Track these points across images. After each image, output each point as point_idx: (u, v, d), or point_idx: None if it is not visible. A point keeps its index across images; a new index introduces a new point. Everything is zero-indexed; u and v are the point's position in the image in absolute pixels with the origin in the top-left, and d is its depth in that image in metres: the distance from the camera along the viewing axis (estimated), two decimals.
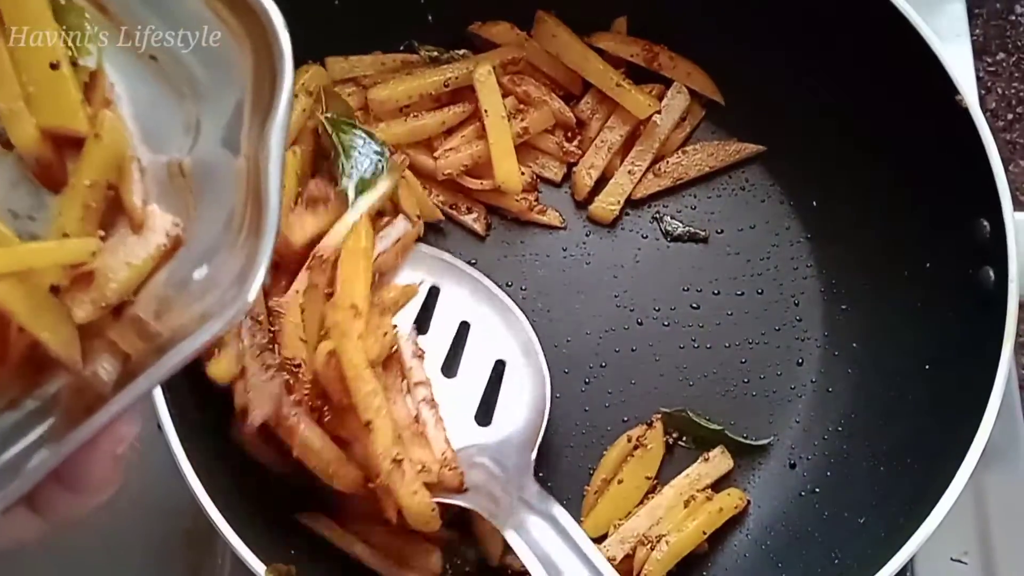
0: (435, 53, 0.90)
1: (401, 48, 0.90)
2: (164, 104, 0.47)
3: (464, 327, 0.82)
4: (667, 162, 0.91)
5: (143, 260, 0.44)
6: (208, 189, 0.45)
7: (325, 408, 0.72)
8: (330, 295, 0.73)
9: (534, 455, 0.78)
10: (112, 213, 0.45)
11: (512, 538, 0.72)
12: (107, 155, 0.44)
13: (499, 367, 0.82)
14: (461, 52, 0.90)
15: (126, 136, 0.45)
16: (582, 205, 0.91)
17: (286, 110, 0.42)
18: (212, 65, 0.46)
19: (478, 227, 0.90)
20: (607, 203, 0.90)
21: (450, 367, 0.81)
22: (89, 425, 0.41)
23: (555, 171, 0.92)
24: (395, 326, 0.76)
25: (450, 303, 0.83)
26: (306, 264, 0.75)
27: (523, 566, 0.72)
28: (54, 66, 0.43)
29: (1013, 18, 1.59)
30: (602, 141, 0.91)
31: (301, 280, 0.75)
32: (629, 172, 0.91)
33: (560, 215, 0.91)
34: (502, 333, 0.83)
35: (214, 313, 0.41)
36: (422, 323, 0.82)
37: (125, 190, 0.45)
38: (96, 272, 0.43)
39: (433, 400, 0.77)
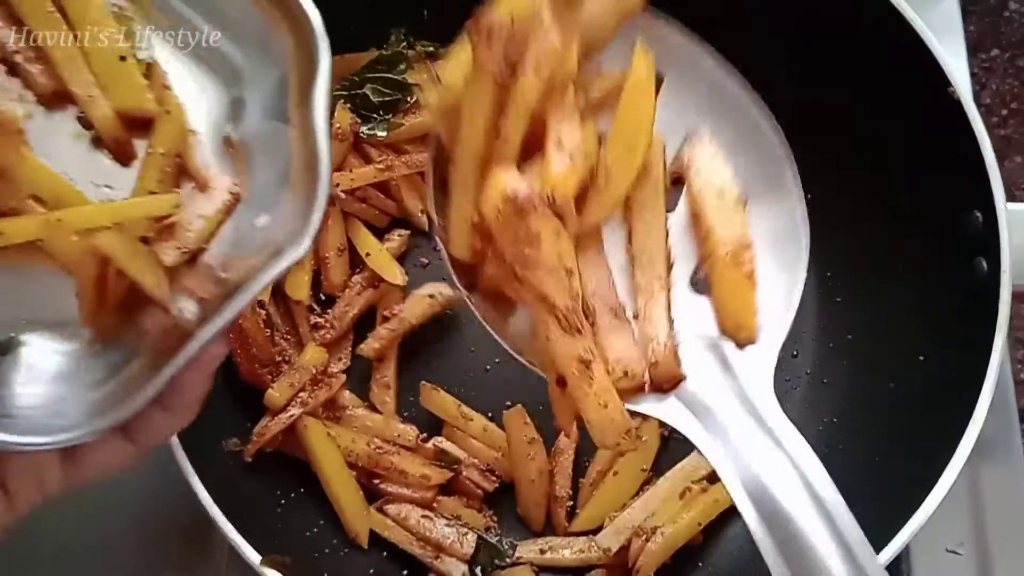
0: (431, 48, 0.90)
1: (397, 44, 0.90)
2: (210, 89, 0.56)
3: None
4: None
5: (213, 213, 0.53)
6: (259, 153, 0.54)
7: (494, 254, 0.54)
8: (502, 85, 0.51)
9: (776, 351, 0.56)
10: (178, 178, 0.54)
11: (729, 477, 0.52)
12: (174, 128, 0.54)
13: None
14: None
15: (186, 112, 0.55)
16: None
17: (327, 77, 0.52)
18: (253, 51, 0.55)
19: None
20: None
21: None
22: (192, 346, 0.48)
23: None
24: (600, 139, 0.54)
25: (673, 104, 0.58)
26: (471, 37, 0.52)
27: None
28: (123, 58, 0.53)
29: (1007, 15, 1.60)
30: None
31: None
32: None
33: None
34: (743, 155, 0.59)
35: (278, 253, 0.49)
36: None
37: (190, 157, 0.55)
38: (176, 224, 0.52)
39: (667, 258, 0.55)
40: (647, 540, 0.78)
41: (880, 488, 0.76)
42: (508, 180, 0.50)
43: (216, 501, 0.70)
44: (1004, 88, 1.56)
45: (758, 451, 0.52)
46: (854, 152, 0.86)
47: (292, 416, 0.79)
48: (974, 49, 1.55)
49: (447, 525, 0.80)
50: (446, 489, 0.83)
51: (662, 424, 0.83)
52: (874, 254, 0.85)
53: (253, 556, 0.69)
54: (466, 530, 0.80)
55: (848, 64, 0.83)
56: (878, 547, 0.69)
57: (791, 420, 0.83)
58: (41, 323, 0.53)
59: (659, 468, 0.84)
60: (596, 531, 0.81)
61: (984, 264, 0.73)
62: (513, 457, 0.82)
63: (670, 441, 0.85)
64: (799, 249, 0.58)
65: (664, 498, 0.81)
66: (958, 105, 0.74)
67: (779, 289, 0.57)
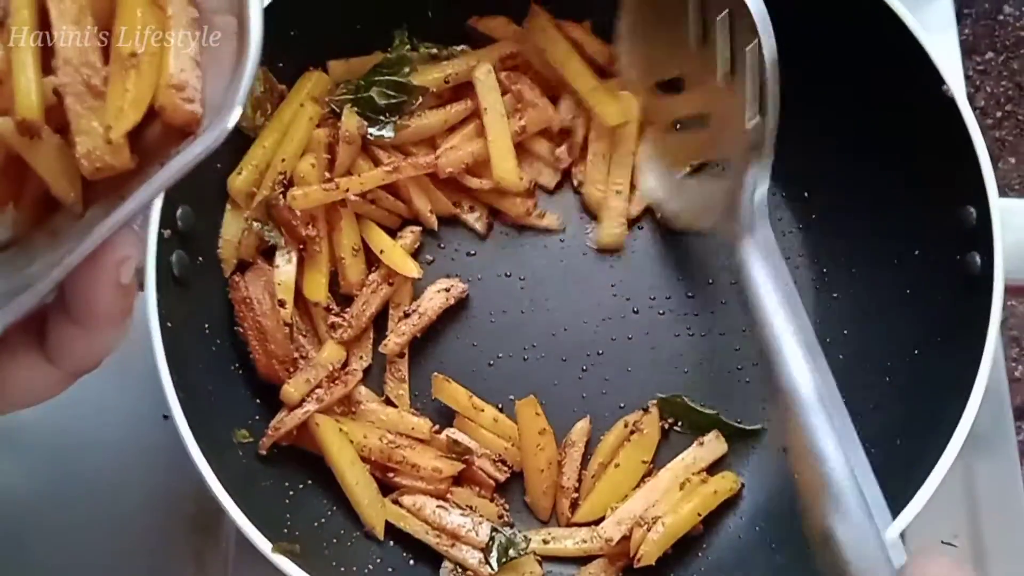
0: (434, 50, 0.91)
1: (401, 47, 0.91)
2: None
3: None
4: None
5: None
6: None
7: None
8: None
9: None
10: None
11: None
12: None
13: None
14: (460, 48, 0.91)
15: None
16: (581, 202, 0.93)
17: None
18: None
19: (479, 226, 0.91)
20: (611, 232, 0.91)
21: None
22: (90, 240, 0.40)
23: (549, 178, 0.93)
24: None
25: None
26: None
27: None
28: None
29: (1001, 18, 1.62)
30: (594, 154, 0.91)
31: None
32: (617, 193, 0.91)
33: (559, 218, 0.92)
34: None
35: (197, 136, 0.40)
36: None
37: None
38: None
39: None
40: (648, 530, 0.80)
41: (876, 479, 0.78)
42: None
43: (227, 490, 0.71)
44: (998, 91, 1.57)
45: None
46: (849, 150, 0.87)
47: (307, 412, 0.80)
48: (969, 52, 1.57)
49: (462, 515, 0.81)
50: (458, 480, 0.84)
51: (662, 418, 0.86)
52: (869, 250, 0.86)
53: (263, 544, 0.70)
54: (481, 519, 0.82)
55: (842, 62, 0.85)
56: None
57: None
58: None
59: (659, 461, 0.85)
60: (598, 521, 0.82)
61: (978, 259, 0.75)
62: (524, 446, 0.83)
63: (670, 434, 0.87)
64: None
65: (665, 489, 0.82)
66: (951, 103, 0.76)
67: None
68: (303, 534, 0.76)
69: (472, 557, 0.80)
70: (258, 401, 0.83)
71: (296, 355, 0.83)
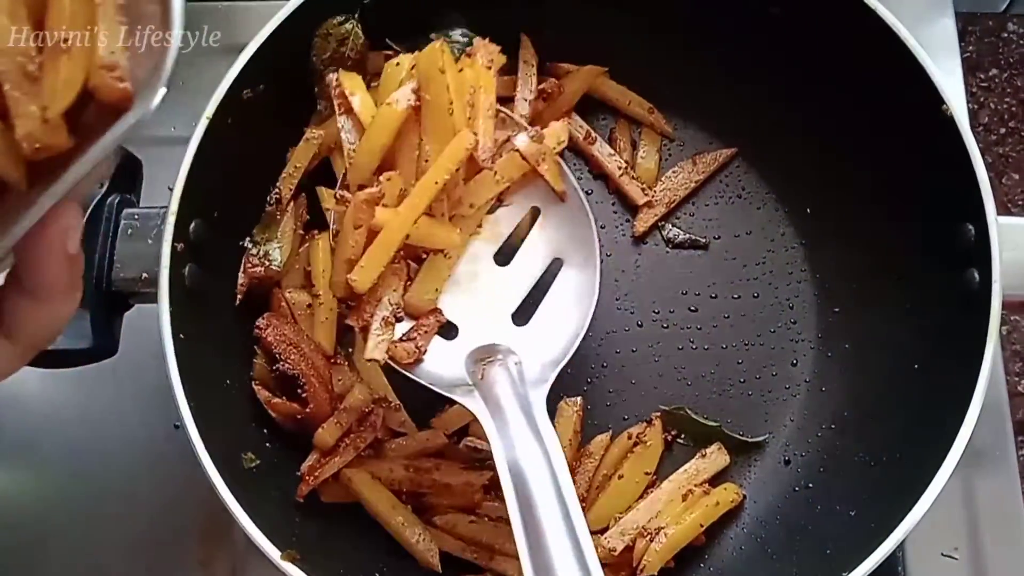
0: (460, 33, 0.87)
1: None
2: None
3: (533, 212, 0.80)
4: (654, 192, 0.94)
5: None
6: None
7: None
8: None
9: (557, 372, 0.76)
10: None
11: (499, 457, 0.68)
12: None
13: (554, 267, 0.79)
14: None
15: None
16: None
17: None
18: None
19: None
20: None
21: (506, 255, 0.79)
22: (35, 209, 0.43)
23: None
24: None
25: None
26: None
27: None
28: None
29: (1005, 35, 1.63)
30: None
31: None
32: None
33: None
34: (567, 232, 0.79)
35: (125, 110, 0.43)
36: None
37: None
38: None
39: None
40: (651, 541, 0.81)
41: (876, 492, 0.79)
42: None
43: (236, 498, 0.72)
44: (1002, 107, 1.58)
45: (524, 444, 0.68)
46: (852, 168, 0.89)
47: (344, 462, 0.80)
48: (973, 69, 1.58)
49: (495, 527, 0.82)
50: (487, 488, 0.84)
51: (665, 430, 0.87)
52: (871, 266, 0.87)
53: (272, 552, 0.71)
54: None
55: (844, 84, 0.86)
56: (871, 548, 0.71)
57: (790, 423, 0.86)
58: None
59: (662, 472, 0.86)
60: (602, 532, 0.83)
61: (976, 275, 0.76)
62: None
63: (673, 446, 0.88)
64: (591, 304, 0.77)
65: (667, 500, 0.83)
66: (951, 122, 0.77)
67: (571, 326, 0.77)
68: (310, 541, 0.77)
69: (512, 568, 0.81)
70: (266, 422, 0.83)
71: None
